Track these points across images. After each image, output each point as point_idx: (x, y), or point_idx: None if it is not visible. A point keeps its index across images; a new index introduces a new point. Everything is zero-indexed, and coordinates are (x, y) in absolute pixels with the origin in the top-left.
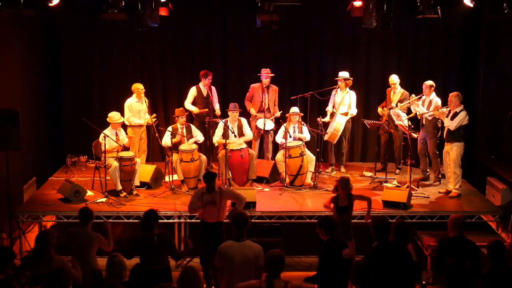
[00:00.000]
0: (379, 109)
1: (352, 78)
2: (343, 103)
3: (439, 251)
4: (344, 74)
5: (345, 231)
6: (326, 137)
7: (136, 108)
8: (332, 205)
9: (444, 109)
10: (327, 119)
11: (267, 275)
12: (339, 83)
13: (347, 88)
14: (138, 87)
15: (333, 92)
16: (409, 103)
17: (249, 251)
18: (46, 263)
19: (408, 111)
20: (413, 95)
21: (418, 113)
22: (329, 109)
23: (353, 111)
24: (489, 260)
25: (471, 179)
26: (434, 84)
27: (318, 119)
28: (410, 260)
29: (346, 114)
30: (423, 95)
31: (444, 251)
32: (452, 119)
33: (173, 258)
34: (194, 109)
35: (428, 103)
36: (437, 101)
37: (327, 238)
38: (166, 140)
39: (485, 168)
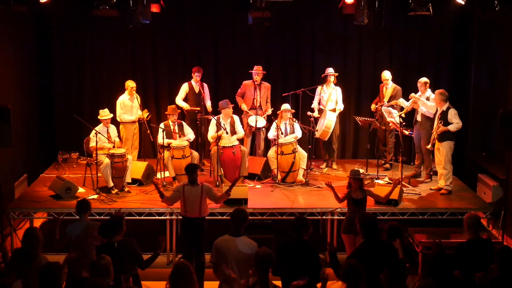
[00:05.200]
0: (373, 106)
1: (337, 74)
2: (331, 99)
3: (456, 255)
4: (331, 70)
5: None
6: (317, 134)
7: (128, 105)
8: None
9: (408, 103)
10: (316, 114)
11: (258, 275)
12: (329, 78)
13: (333, 84)
14: (129, 84)
15: (319, 89)
16: (408, 106)
17: (245, 248)
18: (32, 261)
19: (401, 108)
20: (402, 99)
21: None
22: (315, 105)
23: (340, 106)
24: (496, 266)
25: (462, 176)
26: (428, 81)
27: (309, 113)
28: (396, 256)
29: (334, 110)
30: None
31: (460, 256)
32: (442, 118)
33: (139, 267)
34: (185, 106)
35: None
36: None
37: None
38: (160, 139)
39: (476, 165)
